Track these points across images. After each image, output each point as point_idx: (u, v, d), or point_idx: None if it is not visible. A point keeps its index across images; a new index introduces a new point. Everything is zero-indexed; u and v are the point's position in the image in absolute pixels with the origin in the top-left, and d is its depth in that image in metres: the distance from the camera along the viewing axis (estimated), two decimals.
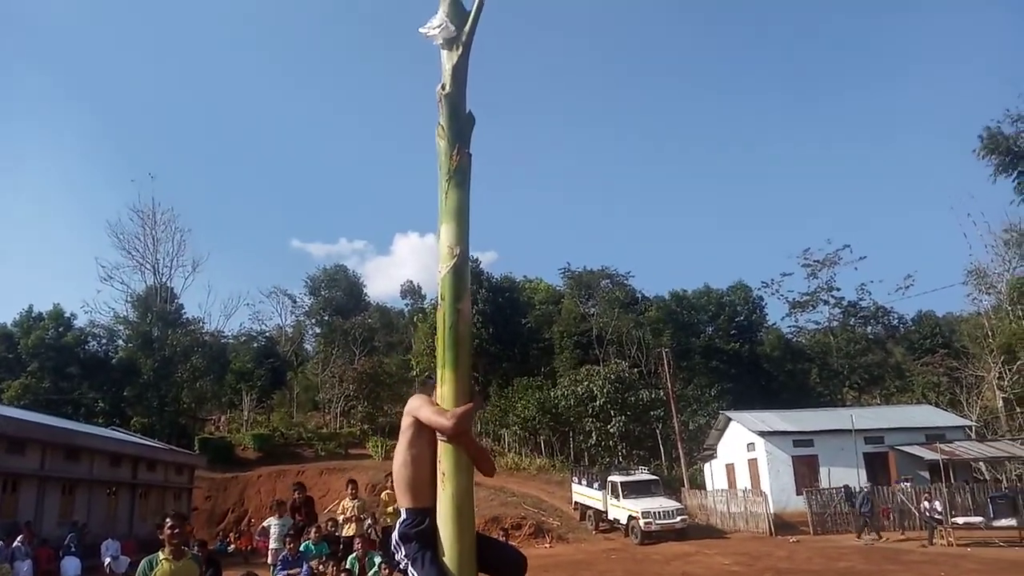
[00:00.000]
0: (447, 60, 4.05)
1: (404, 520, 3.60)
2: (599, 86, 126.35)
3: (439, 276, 3.86)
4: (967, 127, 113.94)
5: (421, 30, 4.12)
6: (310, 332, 72.67)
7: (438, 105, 4.05)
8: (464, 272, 3.84)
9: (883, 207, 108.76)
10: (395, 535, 3.66)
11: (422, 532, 3.49)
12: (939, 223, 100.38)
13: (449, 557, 3.42)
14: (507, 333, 54.27)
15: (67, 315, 50.44)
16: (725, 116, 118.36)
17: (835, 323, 59.63)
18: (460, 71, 4.04)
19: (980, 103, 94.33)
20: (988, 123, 31.14)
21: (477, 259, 58.43)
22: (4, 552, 19.04)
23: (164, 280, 54.07)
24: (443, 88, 4.03)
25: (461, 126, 4.03)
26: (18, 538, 19.78)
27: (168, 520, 5.88)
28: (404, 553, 3.53)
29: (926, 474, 28.68)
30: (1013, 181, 33.62)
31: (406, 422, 3.71)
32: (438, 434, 3.56)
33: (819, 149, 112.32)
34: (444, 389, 3.67)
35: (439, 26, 4.06)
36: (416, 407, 3.69)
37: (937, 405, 39.82)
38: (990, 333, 41.06)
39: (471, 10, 4.06)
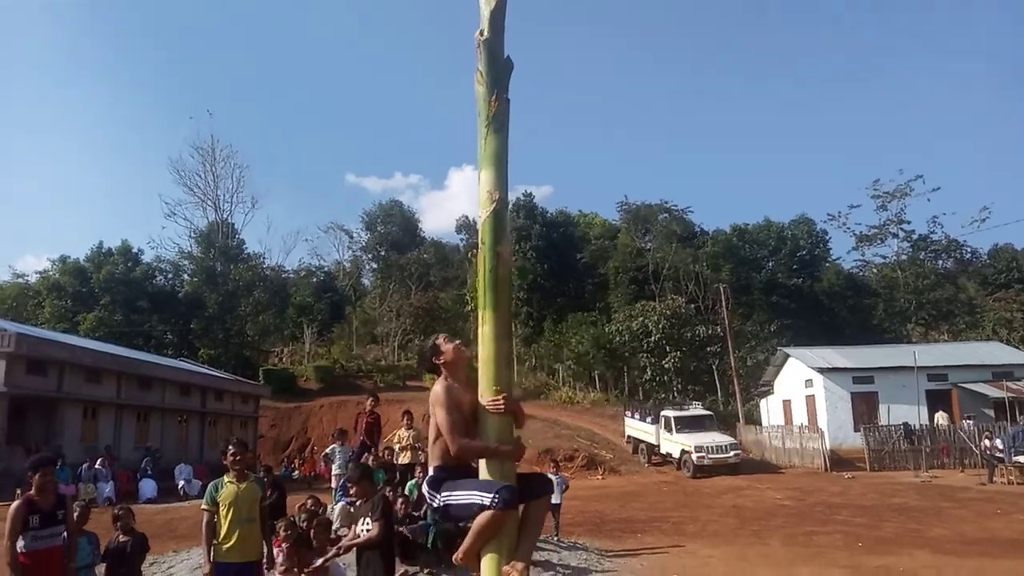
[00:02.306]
0: (485, 5, 4.02)
1: (431, 476, 3.69)
2: (662, 16, 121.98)
3: (479, 221, 3.93)
4: None
5: None
6: (367, 267, 73.87)
7: (476, 51, 4.04)
8: (503, 216, 3.89)
9: (959, 135, 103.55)
10: (424, 487, 3.75)
11: (452, 470, 3.59)
12: (1019, 151, 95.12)
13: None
14: (562, 268, 54.22)
15: (135, 251, 52.49)
16: (791, 44, 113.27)
17: (904, 257, 57.66)
18: (498, 17, 4.02)
19: None
20: None
21: (531, 194, 58.09)
22: (88, 473, 20.39)
23: (225, 216, 55.48)
24: (481, 34, 4.02)
25: (499, 72, 4.02)
26: (99, 461, 21.12)
27: (230, 447, 6.19)
28: (439, 495, 3.60)
29: (991, 412, 28.05)
30: None
31: (431, 410, 3.73)
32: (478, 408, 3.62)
33: (892, 76, 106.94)
34: (485, 329, 3.75)
35: None
36: (433, 400, 3.69)
37: (1008, 342, 38.61)
38: None
39: None
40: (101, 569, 6.90)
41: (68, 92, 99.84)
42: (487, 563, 3.45)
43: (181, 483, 23.06)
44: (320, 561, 6.78)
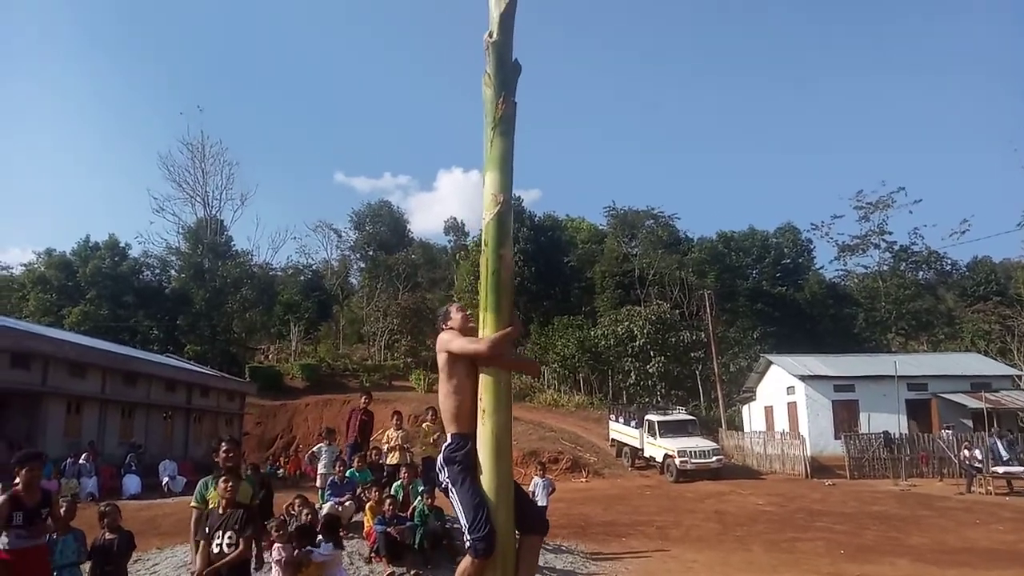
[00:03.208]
0: (495, 7, 4.02)
1: (449, 444, 3.81)
2: (649, 23, 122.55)
3: (483, 222, 3.97)
4: None
5: None
6: (355, 266, 73.73)
7: (485, 53, 4.06)
8: (507, 219, 3.92)
9: (941, 149, 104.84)
10: (440, 458, 3.86)
11: (466, 455, 3.71)
12: (999, 166, 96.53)
13: (487, 484, 3.64)
14: (549, 271, 54.38)
15: (122, 245, 52.05)
16: (778, 53, 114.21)
17: (885, 267, 58.27)
18: (508, 19, 4.01)
19: None
20: None
21: (520, 197, 58.47)
22: (71, 469, 20.24)
23: (214, 212, 55.06)
24: (490, 36, 4.02)
25: (507, 75, 4.03)
26: (83, 456, 20.97)
27: (223, 444, 6.19)
28: (447, 475, 3.74)
29: (969, 422, 28.41)
30: None
31: (441, 359, 3.89)
32: (478, 364, 3.74)
33: (877, 87, 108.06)
34: (486, 332, 3.80)
35: None
36: (447, 340, 3.88)
37: (986, 354, 39.07)
38: None
39: None
40: (87, 567, 6.81)
41: (57, 84, 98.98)
42: None
43: (165, 479, 22.91)
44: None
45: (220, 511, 5.75)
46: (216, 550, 5.58)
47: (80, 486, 19.37)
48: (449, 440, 3.82)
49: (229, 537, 5.61)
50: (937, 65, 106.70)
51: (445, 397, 3.85)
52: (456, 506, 3.69)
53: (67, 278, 50.02)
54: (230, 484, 5.80)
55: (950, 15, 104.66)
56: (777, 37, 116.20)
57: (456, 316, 4.07)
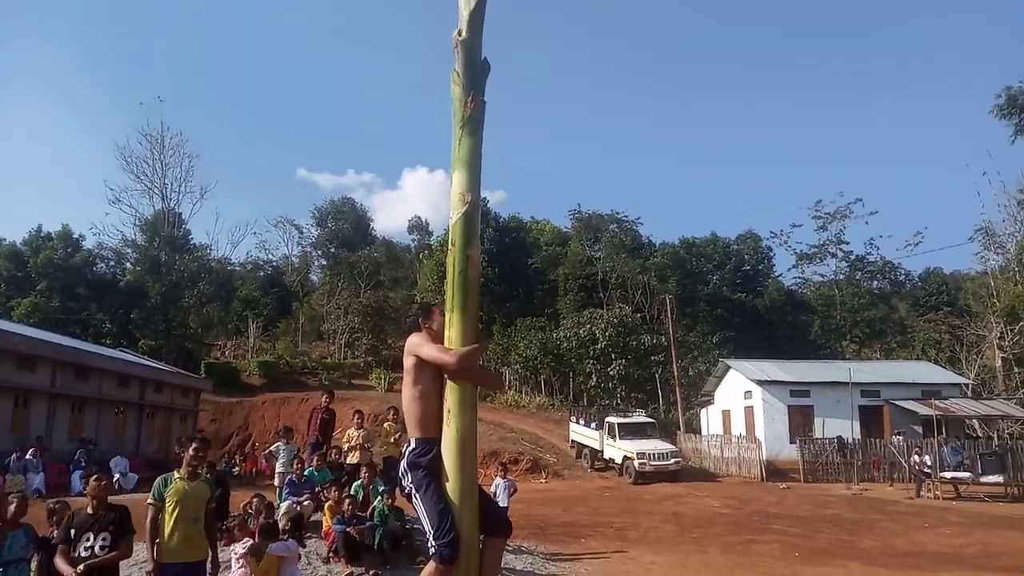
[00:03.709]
0: (464, 6, 4.01)
1: (413, 449, 3.77)
2: (617, 31, 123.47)
3: (450, 222, 3.94)
4: (990, 83, 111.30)
5: None
6: (316, 263, 72.91)
7: (454, 51, 4.03)
8: (475, 219, 3.91)
9: (898, 161, 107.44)
10: (404, 462, 3.82)
11: (431, 460, 3.68)
12: (954, 180, 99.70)
13: (452, 487, 3.62)
14: (512, 273, 54.44)
15: (75, 236, 50.60)
16: (743, 66, 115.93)
17: (841, 276, 59.51)
18: (477, 18, 4.01)
19: (1007, 57, 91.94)
20: (1011, 82, 30.41)
21: (485, 199, 58.17)
22: (17, 464, 19.66)
23: (172, 205, 54.03)
24: (459, 34, 4.01)
25: (476, 73, 4.03)
26: (30, 451, 20.39)
27: (194, 442, 6.01)
28: (411, 480, 3.71)
29: (919, 429, 29.13)
30: None
31: (409, 362, 3.84)
32: (446, 375, 3.71)
33: (837, 100, 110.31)
34: (452, 332, 3.79)
35: None
36: (416, 345, 3.82)
37: (936, 362, 40.08)
38: (995, 293, 41.02)
39: None
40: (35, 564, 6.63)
41: (10, 68, 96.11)
42: None
43: (116, 476, 22.28)
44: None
45: (90, 511, 5.47)
46: (86, 553, 5.33)
47: (26, 482, 18.83)
48: (413, 444, 3.78)
49: (103, 539, 5.37)
50: (894, 81, 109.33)
51: (410, 401, 3.81)
52: (420, 512, 3.66)
53: (16, 268, 48.63)
54: (103, 483, 5.56)
55: (907, 33, 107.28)
56: (741, 51, 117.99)
57: (437, 319, 3.99)
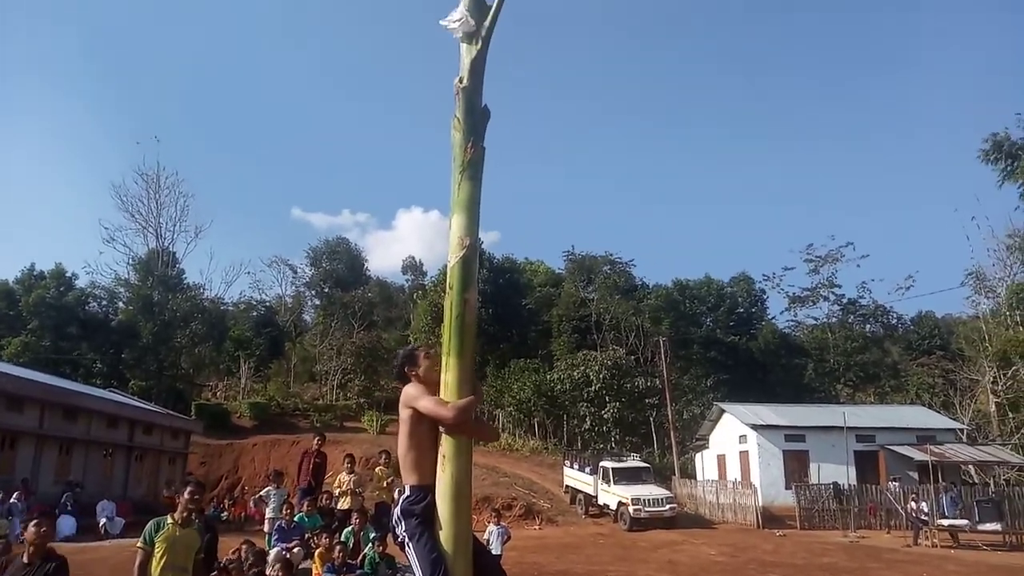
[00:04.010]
0: (466, 54, 4.06)
1: (407, 496, 3.72)
2: (610, 73, 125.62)
3: (448, 265, 3.95)
4: (978, 128, 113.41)
5: (441, 22, 4.14)
6: (309, 303, 72.80)
7: (455, 98, 4.07)
8: (472, 263, 3.91)
9: (889, 205, 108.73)
10: (397, 510, 3.76)
11: (424, 508, 3.61)
12: (943, 224, 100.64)
13: (446, 535, 3.55)
14: (507, 314, 54.34)
15: (68, 275, 50.39)
16: (736, 109, 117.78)
17: (834, 320, 59.55)
18: (478, 65, 4.05)
19: (992, 104, 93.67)
20: (997, 128, 30.82)
21: (480, 239, 58.26)
22: (1, 508, 19.29)
23: (166, 244, 54.07)
24: (461, 81, 4.05)
25: (476, 120, 4.06)
26: (15, 495, 20.02)
27: (190, 486, 5.93)
28: (404, 528, 3.64)
29: (915, 474, 28.91)
30: (1019, 187, 33.34)
31: (405, 413, 3.79)
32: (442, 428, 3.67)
33: (829, 144, 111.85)
34: (449, 376, 3.75)
35: (459, 20, 4.07)
36: (414, 397, 3.78)
37: (930, 406, 39.98)
38: (987, 337, 41.14)
39: (492, 5, 4.08)
40: None
41: (7, 108, 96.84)
42: None
43: (103, 521, 21.93)
44: None
45: (25, 559, 5.15)
46: None
47: (10, 527, 18.45)
48: (408, 492, 3.74)
49: None
50: (883, 127, 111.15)
51: (406, 449, 3.77)
52: (413, 561, 3.58)
53: (8, 307, 48.32)
54: (43, 529, 5.27)
55: (897, 82, 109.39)
56: (736, 98, 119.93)
57: (423, 363, 3.97)
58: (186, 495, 5.78)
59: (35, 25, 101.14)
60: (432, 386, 3.82)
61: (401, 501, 3.76)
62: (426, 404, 3.70)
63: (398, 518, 3.72)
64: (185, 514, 5.71)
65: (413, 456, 3.74)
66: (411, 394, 3.80)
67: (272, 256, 77.58)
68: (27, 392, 24.32)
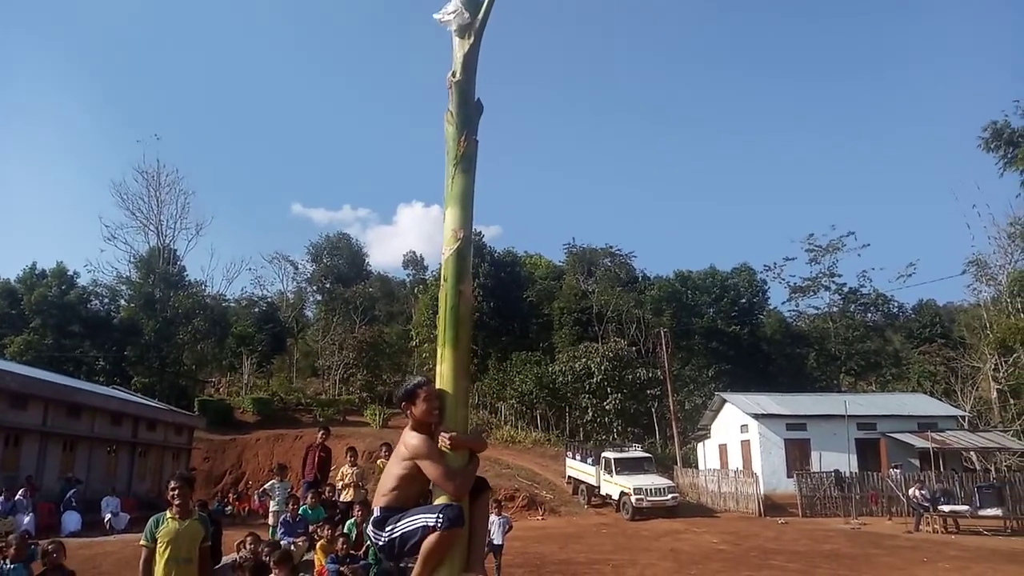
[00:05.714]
0: (459, 48, 4.09)
1: (376, 518, 3.68)
2: (611, 68, 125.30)
3: (443, 258, 3.98)
4: (977, 116, 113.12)
5: (435, 16, 4.17)
6: (311, 299, 72.88)
7: (448, 91, 4.11)
8: (467, 255, 3.94)
9: (889, 195, 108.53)
10: (369, 529, 3.73)
11: (393, 512, 3.61)
12: (944, 213, 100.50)
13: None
14: (508, 307, 54.42)
15: (70, 273, 50.57)
16: (735, 101, 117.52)
17: (835, 309, 59.59)
18: (471, 59, 4.08)
19: (992, 92, 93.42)
20: (996, 116, 30.73)
21: (480, 233, 58.38)
22: (6, 505, 19.40)
23: (167, 242, 54.21)
24: (454, 76, 4.09)
25: (469, 113, 4.09)
26: (20, 492, 20.13)
27: (172, 481, 5.97)
28: (383, 529, 3.61)
29: (916, 461, 28.99)
30: (1021, 174, 33.31)
31: (407, 462, 3.64)
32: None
33: (829, 135, 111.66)
34: (444, 367, 3.78)
35: (453, 12, 4.10)
36: (420, 454, 3.58)
37: (932, 394, 40.03)
38: (988, 325, 41.15)
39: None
40: None
41: (8, 107, 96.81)
42: None
43: (108, 516, 22.07)
44: None
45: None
46: None
47: (15, 523, 18.56)
48: (377, 513, 3.68)
49: None
50: (884, 115, 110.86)
51: (392, 487, 3.68)
52: (411, 527, 3.49)
53: (10, 306, 48.49)
54: (54, 554, 5.48)
55: (897, 70, 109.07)
56: (736, 91, 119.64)
57: (420, 405, 3.68)
58: (170, 491, 5.82)
59: (35, 24, 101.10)
60: (426, 428, 3.67)
61: (371, 523, 3.72)
62: (434, 474, 3.54)
63: (374, 532, 3.67)
64: (178, 506, 5.75)
65: (395, 493, 3.67)
66: (419, 451, 3.59)
67: (273, 252, 77.55)
68: (31, 390, 24.41)
